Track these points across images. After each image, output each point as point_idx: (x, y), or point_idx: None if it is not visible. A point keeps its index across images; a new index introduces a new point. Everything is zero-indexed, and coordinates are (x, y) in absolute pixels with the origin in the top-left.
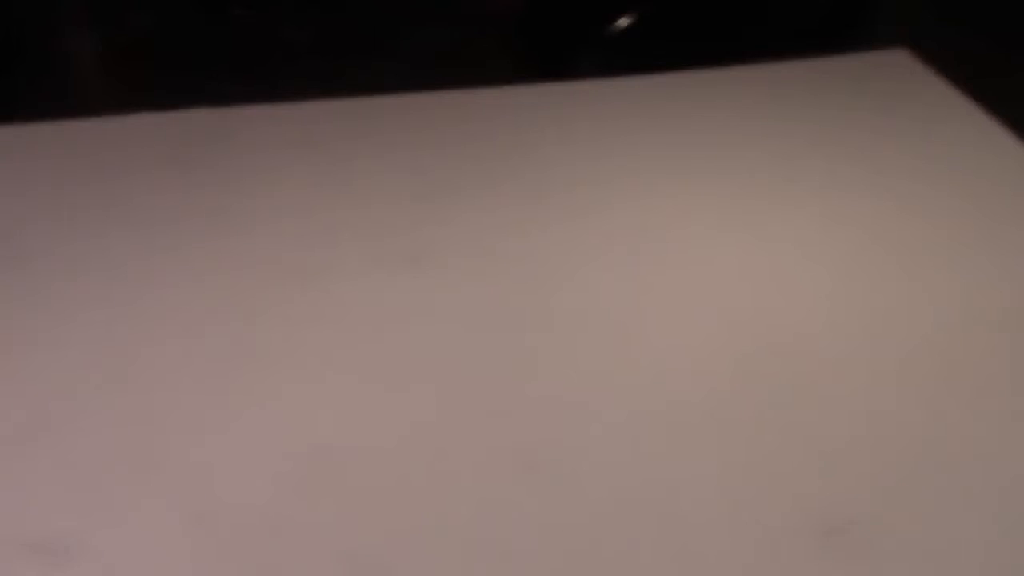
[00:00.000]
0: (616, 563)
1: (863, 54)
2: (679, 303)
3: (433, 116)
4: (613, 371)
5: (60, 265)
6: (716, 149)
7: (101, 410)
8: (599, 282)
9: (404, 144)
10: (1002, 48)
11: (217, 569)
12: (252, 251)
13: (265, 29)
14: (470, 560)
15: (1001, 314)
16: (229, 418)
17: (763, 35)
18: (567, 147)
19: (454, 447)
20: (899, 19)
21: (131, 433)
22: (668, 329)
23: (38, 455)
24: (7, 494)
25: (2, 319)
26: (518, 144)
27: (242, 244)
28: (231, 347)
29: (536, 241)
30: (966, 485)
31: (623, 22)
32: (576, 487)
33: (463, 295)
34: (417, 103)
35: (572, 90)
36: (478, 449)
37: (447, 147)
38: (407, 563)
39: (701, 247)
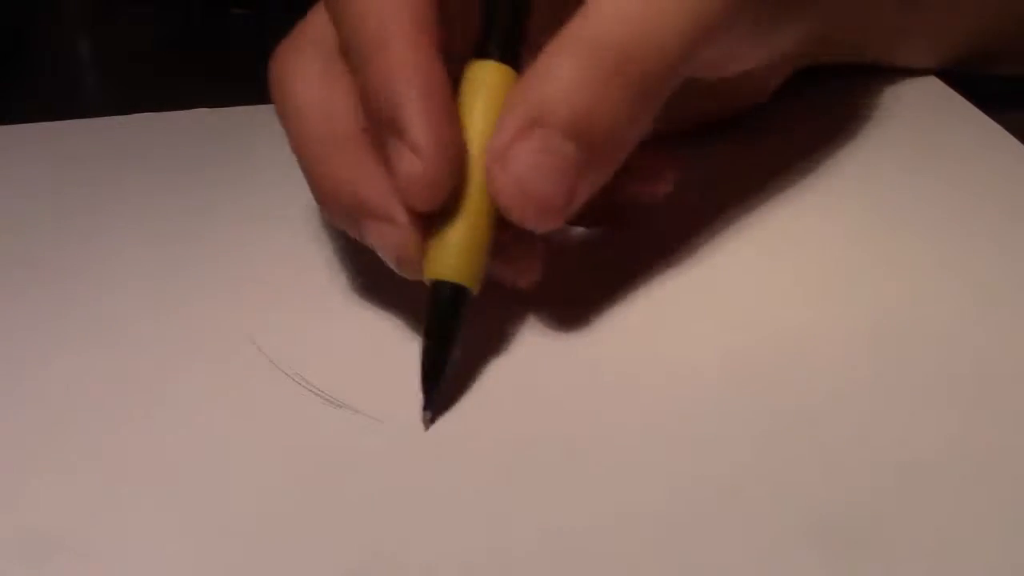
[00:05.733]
0: (617, 562)
1: (892, 81)
2: (682, 303)
3: None
4: (614, 371)
5: (59, 265)
6: (740, 168)
7: (99, 408)
8: (601, 282)
9: None
10: None
11: (218, 570)
12: (252, 250)
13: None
14: (471, 561)
15: (1005, 314)
16: (231, 415)
17: None
18: None
19: (455, 447)
20: None
21: (130, 430)
22: (670, 329)
23: (36, 453)
24: (3, 491)
25: None
26: None
27: (242, 243)
28: (233, 346)
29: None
30: (967, 485)
31: None
32: (576, 486)
33: None
34: None
35: None
36: (479, 449)
37: None
38: (410, 563)
39: (719, 257)
